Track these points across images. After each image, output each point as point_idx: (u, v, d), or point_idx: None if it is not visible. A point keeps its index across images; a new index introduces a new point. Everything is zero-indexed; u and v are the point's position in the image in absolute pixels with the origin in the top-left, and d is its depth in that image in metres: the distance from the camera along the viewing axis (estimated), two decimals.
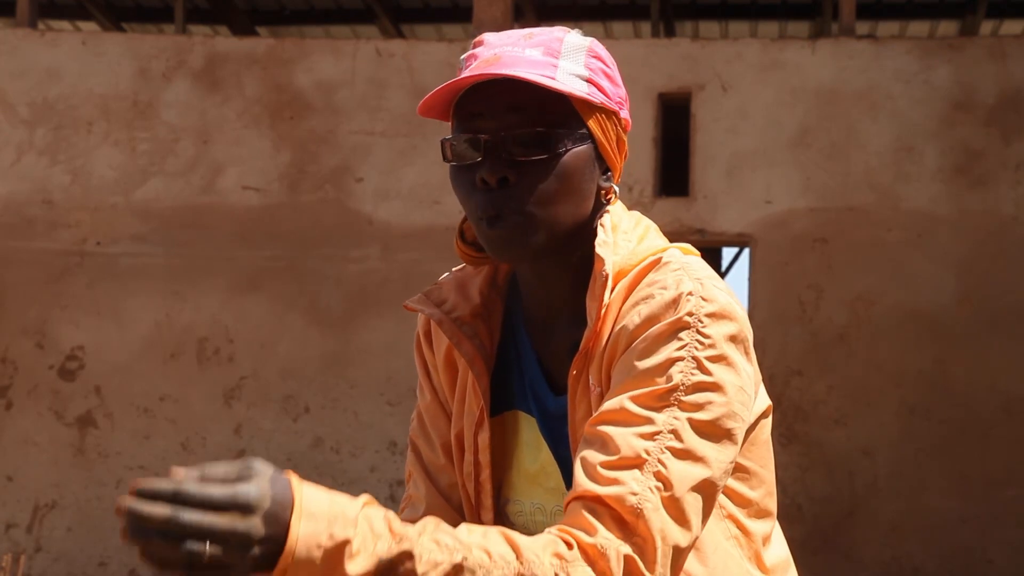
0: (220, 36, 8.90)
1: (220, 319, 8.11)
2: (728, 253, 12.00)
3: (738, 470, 1.66)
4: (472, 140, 1.64)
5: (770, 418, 1.72)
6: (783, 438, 7.73)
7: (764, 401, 1.70)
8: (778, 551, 1.72)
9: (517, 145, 1.63)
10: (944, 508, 7.68)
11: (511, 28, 1.75)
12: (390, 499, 7.89)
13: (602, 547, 1.46)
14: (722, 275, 11.87)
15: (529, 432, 1.74)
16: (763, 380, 1.71)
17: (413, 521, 1.78)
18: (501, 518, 1.76)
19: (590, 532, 1.47)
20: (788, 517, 7.46)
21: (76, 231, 8.17)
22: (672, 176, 8.17)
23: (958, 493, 7.69)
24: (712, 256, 11.63)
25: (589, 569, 1.44)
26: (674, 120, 8.14)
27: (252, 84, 8.26)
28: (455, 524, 1.77)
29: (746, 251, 8.47)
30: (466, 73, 1.65)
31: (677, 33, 10.48)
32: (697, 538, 1.54)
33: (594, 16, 10.28)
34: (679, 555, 1.51)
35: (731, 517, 1.65)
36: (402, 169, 8.14)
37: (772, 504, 1.71)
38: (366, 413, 7.98)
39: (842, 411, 7.79)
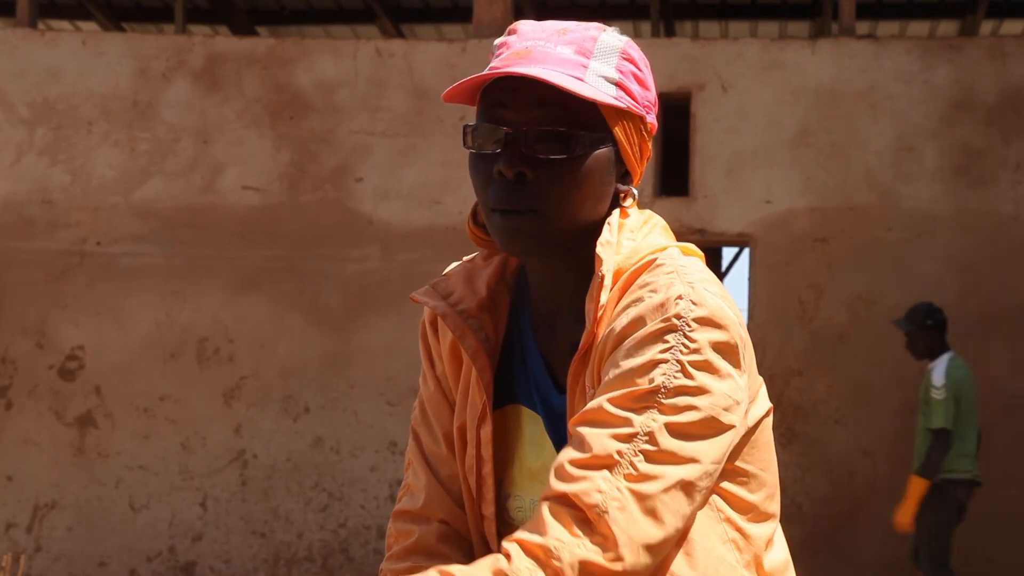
0: (220, 36, 8.90)
1: (220, 319, 8.11)
2: (728, 253, 12.00)
3: (738, 474, 1.63)
4: (494, 130, 1.63)
5: (771, 419, 1.70)
6: (783, 438, 7.73)
7: (764, 404, 1.68)
8: (778, 554, 1.70)
9: (538, 142, 1.62)
10: None
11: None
12: (390, 499, 7.90)
13: (555, 548, 1.45)
14: (722, 275, 11.87)
15: (532, 428, 1.74)
16: (763, 381, 1.69)
17: (411, 511, 1.79)
18: (502, 512, 1.76)
19: (542, 532, 1.47)
20: (788, 517, 7.46)
21: (76, 231, 8.17)
22: (672, 176, 8.17)
23: None
24: (712, 256, 11.63)
25: (540, 572, 1.44)
26: (674, 120, 8.14)
27: (252, 84, 8.26)
28: (454, 516, 1.78)
29: (746, 251, 8.46)
30: (495, 62, 1.65)
31: (677, 33, 10.48)
32: (671, 539, 1.51)
33: (594, 16, 10.28)
34: (651, 553, 1.49)
35: (728, 520, 1.62)
36: (402, 169, 8.14)
37: (774, 506, 1.69)
38: (366, 413, 7.98)
39: (842, 411, 7.79)
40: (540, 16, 9.60)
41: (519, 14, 9.29)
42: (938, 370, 6.82)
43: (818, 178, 7.93)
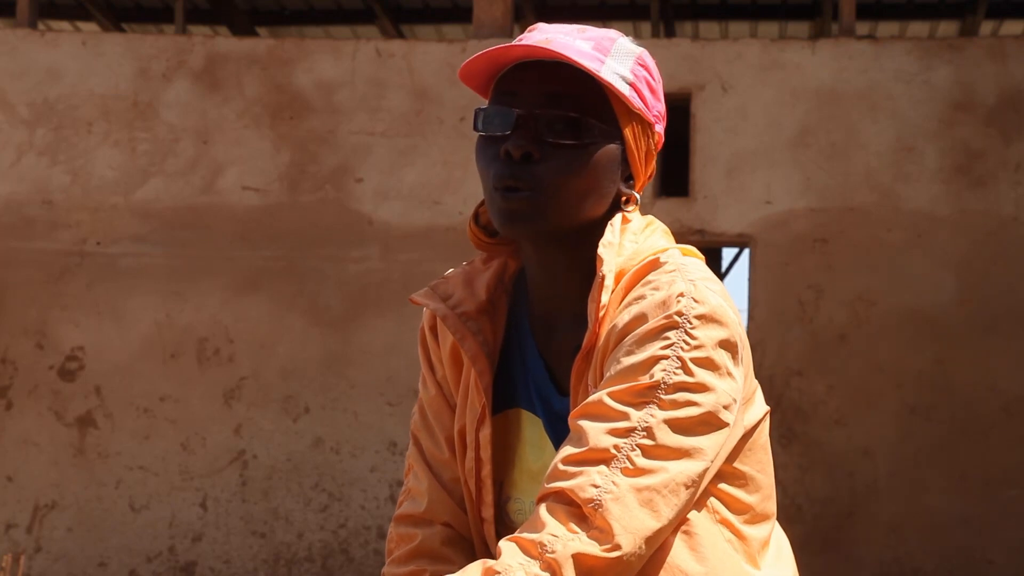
0: (220, 36, 8.90)
1: (220, 319, 8.11)
2: (728, 253, 12.01)
3: (735, 476, 1.64)
4: (505, 112, 1.64)
5: (767, 422, 1.70)
6: (783, 438, 7.73)
7: (761, 407, 1.68)
8: (775, 555, 1.71)
9: (548, 126, 1.62)
10: (944, 508, 7.68)
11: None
12: (390, 499, 7.89)
13: (548, 543, 1.46)
14: (722, 275, 11.87)
15: (532, 431, 1.74)
16: (763, 380, 1.70)
17: (414, 515, 1.79)
18: (502, 515, 1.76)
19: (537, 529, 1.47)
20: (788, 517, 7.46)
21: (76, 231, 8.17)
22: (672, 176, 8.17)
23: (958, 493, 7.68)
24: (712, 256, 11.63)
25: (535, 567, 1.44)
26: (674, 120, 8.13)
27: (252, 84, 8.26)
28: (457, 519, 1.78)
29: (746, 251, 8.46)
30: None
31: (677, 33, 10.48)
32: (666, 530, 1.52)
33: (594, 16, 10.28)
34: (648, 544, 1.50)
35: (724, 522, 1.62)
36: (402, 169, 8.14)
37: (771, 507, 1.70)
38: (366, 413, 7.98)
39: (842, 411, 7.79)
40: (539, 17, 9.60)
41: (519, 14, 9.30)
42: None
43: (818, 179, 7.93)
